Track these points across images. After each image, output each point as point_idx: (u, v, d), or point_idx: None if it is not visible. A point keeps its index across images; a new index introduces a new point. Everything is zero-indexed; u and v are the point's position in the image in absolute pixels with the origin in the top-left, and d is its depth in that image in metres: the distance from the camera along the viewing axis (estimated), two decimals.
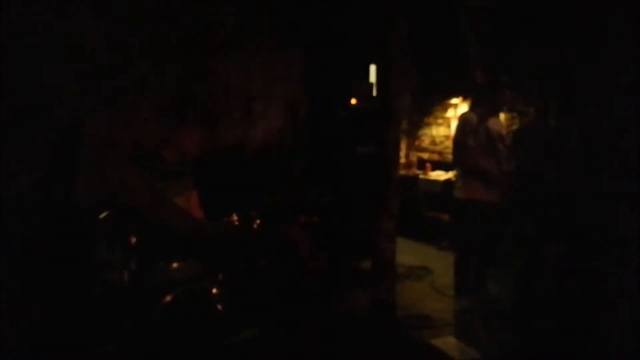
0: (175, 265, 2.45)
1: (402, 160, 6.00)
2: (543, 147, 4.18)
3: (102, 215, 2.22)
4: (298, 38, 4.02)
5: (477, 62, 4.21)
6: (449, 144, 5.55)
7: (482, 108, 3.52)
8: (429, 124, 5.87)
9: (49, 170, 2.36)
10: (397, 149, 3.23)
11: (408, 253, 4.55)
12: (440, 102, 5.65)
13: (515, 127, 4.48)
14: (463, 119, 3.67)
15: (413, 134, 6.04)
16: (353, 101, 4.56)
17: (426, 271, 4.18)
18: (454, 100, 5.46)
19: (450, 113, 5.56)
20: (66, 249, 2.21)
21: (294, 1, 3.87)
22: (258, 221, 2.74)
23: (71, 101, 2.63)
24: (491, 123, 3.41)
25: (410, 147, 6.08)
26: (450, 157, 5.24)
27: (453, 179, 4.97)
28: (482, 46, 4.09)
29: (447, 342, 2.96)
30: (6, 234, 2.05)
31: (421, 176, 5.48)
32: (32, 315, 2.05)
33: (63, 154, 2.43)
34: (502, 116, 5.00)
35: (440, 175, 5.35)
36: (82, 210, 2.26)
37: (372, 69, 4.89)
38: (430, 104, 5.76)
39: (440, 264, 4.36)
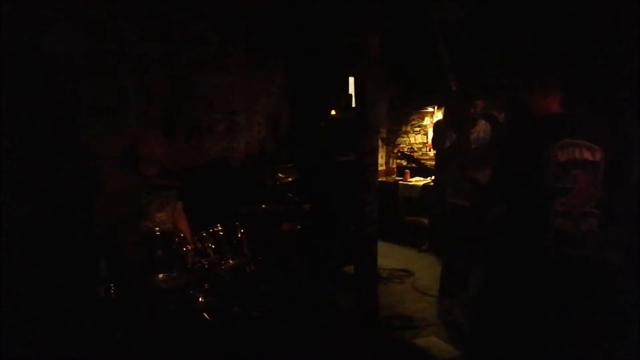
0: (161, 276, 2.50)
1: (383, 167, 6.18)
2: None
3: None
4: (279, 52, 4.15)
5: (450, 72, 4.40)
6: (426, 150, 5.74)
7: (456, 115, 3.67)
8: (407, 132, 6.05)
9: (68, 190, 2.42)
10: (375, 157, 3.36)
11: (390, 256, 4.68)
12: (417, 111, 5.84)
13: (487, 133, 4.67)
14: (438, 126, 3.81)
15: (392, 142, 6.21)
16: (333, 112, 4.70)
17: (407, 273, 4.30)
18: (430, 109, 5.66)
19: (426, 121, 5.75)
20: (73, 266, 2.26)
21: (273, 17, 4.00)
22: (242, 230, 2.82)
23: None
24: (477, 127, 3.55)
25: (390, 154, 6.26)
26: (428, 163, 5.43)
27: (431, 183, 5.15)
28: (454, 57, 4.28)
29: (430, 342, 3.05)
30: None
31: (401, 182, 5.64)
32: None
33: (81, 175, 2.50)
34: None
35: (419, 180, 5.52)
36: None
37: (351, 81, 5.06)
38: (407, 113, 5.95)
39: (420, 265, 4.50)
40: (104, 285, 2.32)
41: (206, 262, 2.64)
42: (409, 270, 4.37)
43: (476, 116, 3.53)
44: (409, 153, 5.68)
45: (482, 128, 3.56)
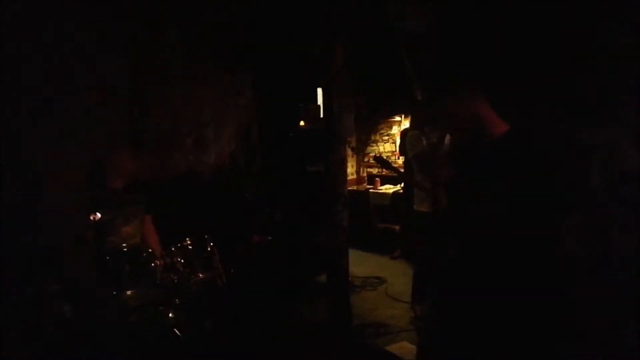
0: (129, 293, 2.45)
1: (354, 175, 6.24)
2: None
3: None
4: (246, 63, 4.17)
5: (414, 82, 4.52)
6: (395, 158, 5.84)
7: (422, 123, 3.76)
8: (376, 141, 6.15)
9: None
10: (344, 167, 3.41)
11: (362, 264, 4.72)
12: (384, 119, 5.95)
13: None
14: (405, 134, 3.89)
15: (362, 151, 6.30)
16: (302, 123, 4.75)
17: (380, 280, 4.35)
18: (397, 118, 5.78)
19: (394, 130, 5.87)
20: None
21: (240, 27, 4.02)
22: (212, 244, 2.80)
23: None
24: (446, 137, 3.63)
25: (361, 163, 6.34)
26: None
27: (401, 191, 5.24)
28: (418, 66, 4.40)
29: (402, 347, 3.09)
30: None
31: (371, 190, 5.72)
32: None
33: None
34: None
35: (389, 188, 5.60)
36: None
37: (319, 91, 5.12)
38: (375, 123, 6.06)
39: (393, 272, 4.56)
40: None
41: (175, 277, 2.60)
42: (382, 278, 4.42)
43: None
44: (384, 157, 5.77)
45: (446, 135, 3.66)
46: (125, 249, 2.48)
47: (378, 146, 6.13)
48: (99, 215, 2.31)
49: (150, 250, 2.61)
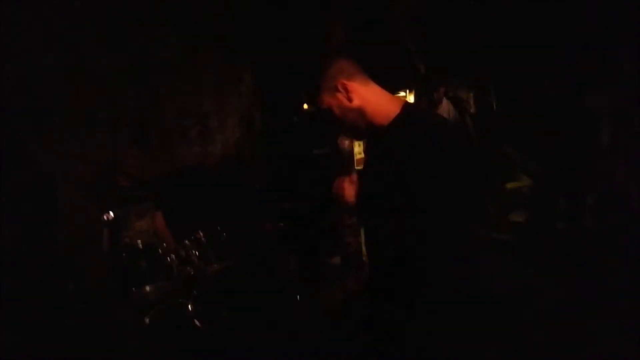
0: (147, 288, 2.50)
1: (361, 155, 6.20)
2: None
3: None
4: (245, 50, 4.12)
5: (416, 57, 4.44)
6: None
7: (425, 99, 3.73)
8: None
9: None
10: (351, 147, 3.38)
11: None
12: None
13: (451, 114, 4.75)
14: None
15: None
16: (305, 106, 4.70)
17: None
18: (402, 93, 5.70)
19: None
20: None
21: (236, 14, 3.97)
22: (224, 234, 2.82)
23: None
24: (441, 109, 3.63)
25: None
26: None
27: None
28: (418, 42, 4.32)
29: None
30: None
31: None
32: None
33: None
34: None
35: None
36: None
37: None
38: None
39: None
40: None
41: (192, 270, 2.64)
42: None
43: (439, 99, 3.61)
44: None
45: (445, 108, 3.65)
46: (141, 245, 2.52)
47: None
48: (112, 214, 2.35)
49: (164, 245, 2.65)
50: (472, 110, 4.85)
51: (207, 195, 3.29)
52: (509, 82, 4.35)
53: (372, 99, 1.38)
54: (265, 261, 3.04)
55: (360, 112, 1.36)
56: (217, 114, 3.95)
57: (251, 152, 4.08)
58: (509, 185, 4.94)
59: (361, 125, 1.37)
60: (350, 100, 1.35)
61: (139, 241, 2.55)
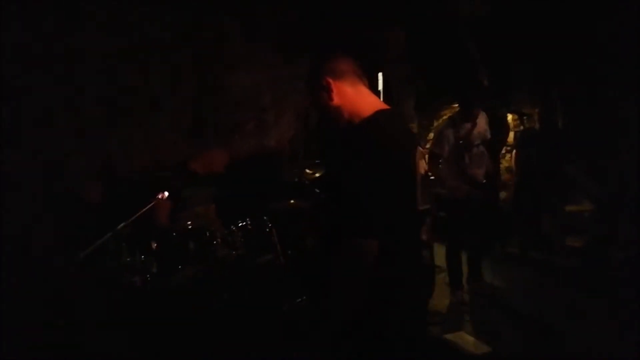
0: (191, 270, 2.57)
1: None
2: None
3: (121, 226, 2.32)
4: (305, 50, 4.19)
5: (479, 67, 4.32)
6: None
7: (471, 113, 3.55)
8: (437, 127, 5.99)
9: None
10: None
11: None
12: (447, 106, 5.77)
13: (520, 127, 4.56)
14: (440, 133, 3.78)
15: (423, 137, 6.16)
16: None
17: (439, 269, 4.25)
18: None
19: None
20: None
21: (300, 14, 4.04)
22: (270, 225, 2.87)
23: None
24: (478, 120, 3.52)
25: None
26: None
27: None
28: (482, 51, 4.20)
29: (460, 337, 3.02)
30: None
31: (431, 177, 5.56)
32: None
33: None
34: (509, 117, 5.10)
35: None
36: None
37: (380, 76, 5.05)
38: (437, 109, 5.89)
39: None
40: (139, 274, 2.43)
41: (235, 254, 2.71)
42: (440, 266, 4.32)
43: (476, 112, 3.50)
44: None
45: (481, 120, 3.53)
46: (190, 227, 2.63)
47: None
48: (166, 193, 2.45)
49: (212, 229, 2.74)
50: (536, 125, 4.64)
51: (257, 187, 3.37)
52: (578, 99, 4.12)
53: (354, 100, 1.43)
54: (309, 255, 3.06)
55: (338, 110, 1.43)
56: (273, 110, 4.04)
57: (304, 148, 4.13)
58: (569, 208, 4.69)
59: (340, 121, 1.44)
60: (331, 99, 1.42)
61: (189, 222, 2.64)
